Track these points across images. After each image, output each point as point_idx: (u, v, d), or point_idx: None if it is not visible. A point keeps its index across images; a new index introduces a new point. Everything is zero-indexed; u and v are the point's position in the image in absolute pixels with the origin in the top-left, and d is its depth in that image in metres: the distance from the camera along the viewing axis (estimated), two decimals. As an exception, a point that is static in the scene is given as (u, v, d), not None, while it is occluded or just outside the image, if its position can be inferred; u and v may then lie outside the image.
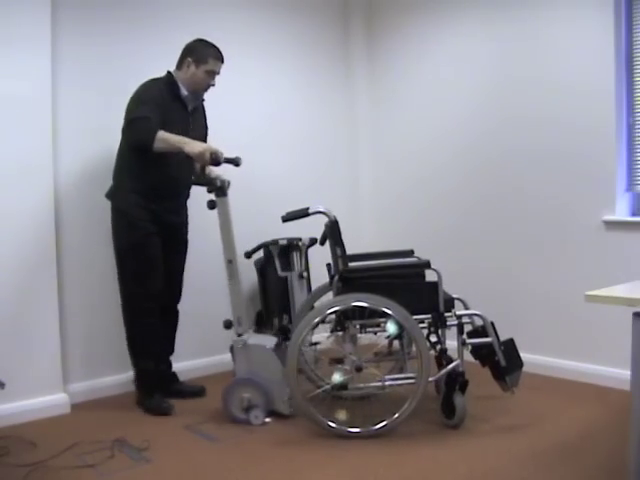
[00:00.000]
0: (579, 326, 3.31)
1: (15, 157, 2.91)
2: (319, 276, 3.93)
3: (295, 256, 3.70)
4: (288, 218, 2.85)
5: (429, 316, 2.68)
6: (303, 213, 2.81)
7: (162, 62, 3.52)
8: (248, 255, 3.73)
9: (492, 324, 2.75)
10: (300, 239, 3.72)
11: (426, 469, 2.33)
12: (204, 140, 3.17)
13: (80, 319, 3.23)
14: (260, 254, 3.78)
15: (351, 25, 4.47)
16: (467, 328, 2.80)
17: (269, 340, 2.96)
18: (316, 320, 2.64)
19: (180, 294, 3.27)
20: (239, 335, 2.89)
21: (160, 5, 3.52)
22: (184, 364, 3.58)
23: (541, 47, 3.43)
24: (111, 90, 3.33)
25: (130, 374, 3.27)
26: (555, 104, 3.39)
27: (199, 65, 3.02)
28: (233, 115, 3.83)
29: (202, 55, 3.02)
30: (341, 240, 2.80)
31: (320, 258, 3.97)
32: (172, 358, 3.33)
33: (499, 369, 2.70)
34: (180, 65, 3.08)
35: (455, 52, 3.89)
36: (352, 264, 2.85)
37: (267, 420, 2.83)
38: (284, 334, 3.71)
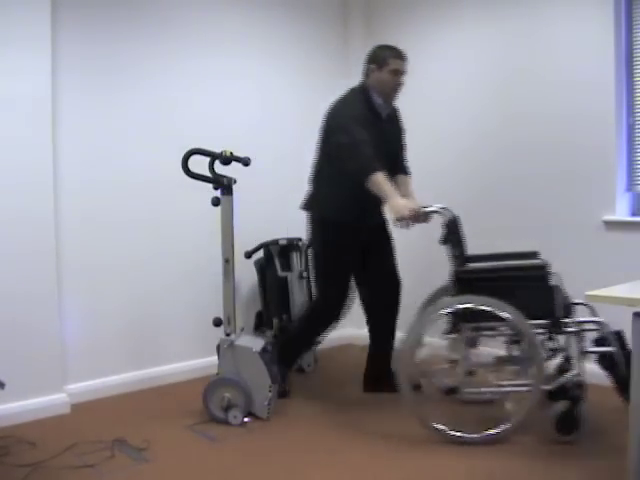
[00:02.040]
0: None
1: (15, 157, 2.90)
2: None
3: (295, 256, 3.70)
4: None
5: (545, 322, 2.55)
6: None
7: (162, 61, 3.54)
8: (248, 255, 3.73)
9: (619, 333, 2.55)
10: (300, 239, 3.72)
11: (426, 469, 2.33)
12: (397, 152, 3.24)
13: (80, 319, 3.23)
14: (260, 254, 3.78)
15: (350, 25, 4.47)
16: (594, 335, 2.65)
17: (256, 343, 2.96)
18: (428, 320, 2.57)
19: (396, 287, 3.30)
20: (227, 334, 2.90)
21: (160, 4, 3.51)
22: (183, 364, 3.59)
23: (541, 47, 3.43)
24: (112, 89, 3.33)
25: (129, 375, 3.29)
26: (555, 104, 3.39)
27: (382, 68, 3.05)
28: (231, 115, 3.83)
29: (382, 58, 3.07)
30: (458, 240, 2.75)
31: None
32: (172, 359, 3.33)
33: (620, 381, 2.51)
34: (366, 75, 3.12)
35: (455, 51, 3.89)
36: (471, 265, 2.78)
37: (246, 420, 2.83)
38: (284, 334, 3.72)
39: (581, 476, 2.24)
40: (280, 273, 3.67)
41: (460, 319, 2.58)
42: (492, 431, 2.52)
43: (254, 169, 3.83)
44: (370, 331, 3.31)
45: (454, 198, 3.94)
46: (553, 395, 2.59)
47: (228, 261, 2.93)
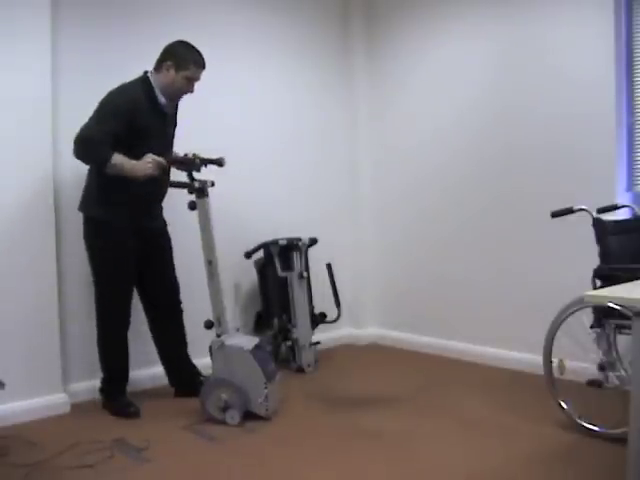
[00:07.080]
0: (578, 327, 3.30)
1: (15, 156, 2.90)
2: (319, 276, 3.94)
3: (295, 256, 3.70)
4: (556, 214, 2.85)
5: None
6: (568, 211, 2.82)
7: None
8: (248, 255, 3.73)
9: None
10: (300, 239, 3.72)
11: (426, 469, 2.33)
12: (171, 145, 3.09)
13: (80, 319, 3.23)
14: (260, 254, 3.78)
15: (351, 24, 4.46)
16: None
17: (248, 341, 2.95)
18: (568, 312, 2.65)
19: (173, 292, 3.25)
20: (218, 335, 2.90)
21: (161, 3, 3.51)
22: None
23: (541, 48, 3.43)
24: (111, 86, 3.32)
25: (129, 375, 3.29)
26: (555, 104, 3.39)
27: (179, 70, 2.87)
28: (231, 114, 3.83)
29: (184, 60, 2.87)
30: (602, 238, 2.76)
31: (320, 258, 3.98)
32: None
33: None
34: (159, 67, 2.92)
35: (455, 51, 3.89)
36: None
37: (244, 421, 2.81)
38: (283, 334, 3.72)
39: (581, 476, 2.23)
40: (280, 273, 3.68)
41: (604, 314, 2.60)
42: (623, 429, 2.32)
43: (254, 169, 3.85)
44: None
45: (453, 197, 3.96)
46: None
47: (211, 263, 2.93)
